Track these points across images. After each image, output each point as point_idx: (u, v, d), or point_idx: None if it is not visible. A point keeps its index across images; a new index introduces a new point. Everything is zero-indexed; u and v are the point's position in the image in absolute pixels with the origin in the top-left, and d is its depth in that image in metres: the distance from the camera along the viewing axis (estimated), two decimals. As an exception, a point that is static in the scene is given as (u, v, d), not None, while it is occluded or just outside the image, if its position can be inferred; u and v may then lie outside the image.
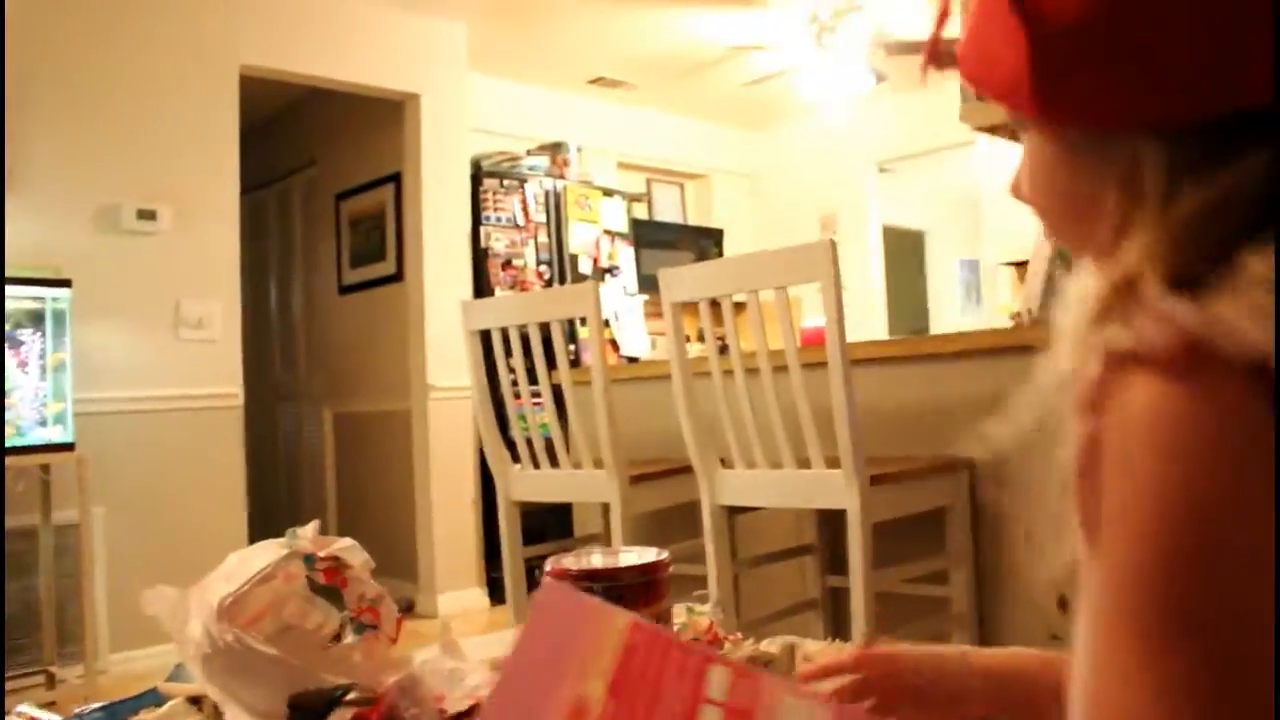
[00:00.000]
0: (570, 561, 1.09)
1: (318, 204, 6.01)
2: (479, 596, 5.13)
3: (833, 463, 2.31)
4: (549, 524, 3.84)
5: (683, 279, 2.56)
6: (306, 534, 1.15)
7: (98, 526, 3.79)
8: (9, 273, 3.70)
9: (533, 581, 3.09)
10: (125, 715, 1.19)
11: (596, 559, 1.11)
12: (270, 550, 1.13)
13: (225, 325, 4.41)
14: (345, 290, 5.72)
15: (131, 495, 4.02)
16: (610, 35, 5.62)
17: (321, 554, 1.15)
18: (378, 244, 5.44)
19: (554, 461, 2.95)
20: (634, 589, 1.05)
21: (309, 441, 6.05)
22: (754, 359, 2.41)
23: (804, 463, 2.38)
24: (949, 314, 8.51)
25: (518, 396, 2.99)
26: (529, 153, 5.69)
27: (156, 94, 4.28)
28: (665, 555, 1.07)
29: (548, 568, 1.07)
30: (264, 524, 4.58)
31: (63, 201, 4.03)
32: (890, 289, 7.36)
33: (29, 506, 3.69)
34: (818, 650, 1.31)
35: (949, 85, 5.85)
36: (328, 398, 5.88)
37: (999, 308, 5.61)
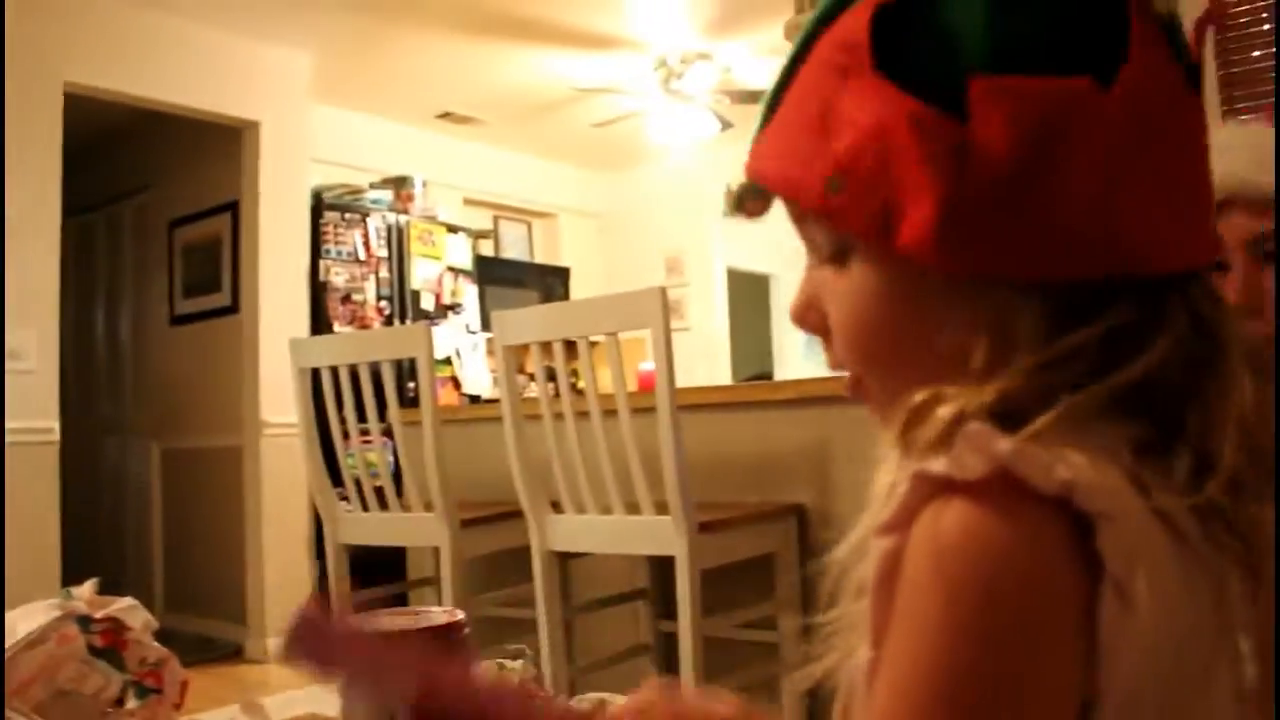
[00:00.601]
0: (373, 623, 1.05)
1: (150, 231, 5.78)
2: (312, 640, 4.97)
3: (662, 508, 2.31)
4: (382, 567, 3.75)
5: (516, 322, 2.54)
6: (83, 594, 1.09)
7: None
8: None
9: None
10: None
11: (399, 620, 1.07)
12: (42, 611, 1.07)
13: (42, 355, 4.19)
14: (177, 321, 5.51)
15: (-69, 535, 3.77)
16: (459, 71, 5.58)
17: (99, 614, 1.08)
18: (212, 274, 5.26)
19: (384, 504, 2.89)
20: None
21: (135, 478, 5.79)
22: (585, 402, 2.40)
23: (633, 508, 2.38)
24: (793, 358, 8.68)
25: (347, 436, 2.92)
26: (372, 186, 5.60)
27: (-28, 109, 4.06)
28: (459, 616, 1.04)
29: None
30: (82, 566, 4.34)
31: None
32: (735, 332, 7.46)
33: None
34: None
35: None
36: (156, 432, 5.64)
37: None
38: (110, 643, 1.08)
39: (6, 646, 1.03)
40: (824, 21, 0.61)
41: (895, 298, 0.60)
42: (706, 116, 5.55)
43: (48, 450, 4.17)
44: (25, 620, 1.05)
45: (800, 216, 0.65)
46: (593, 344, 2.44)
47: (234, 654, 4.89)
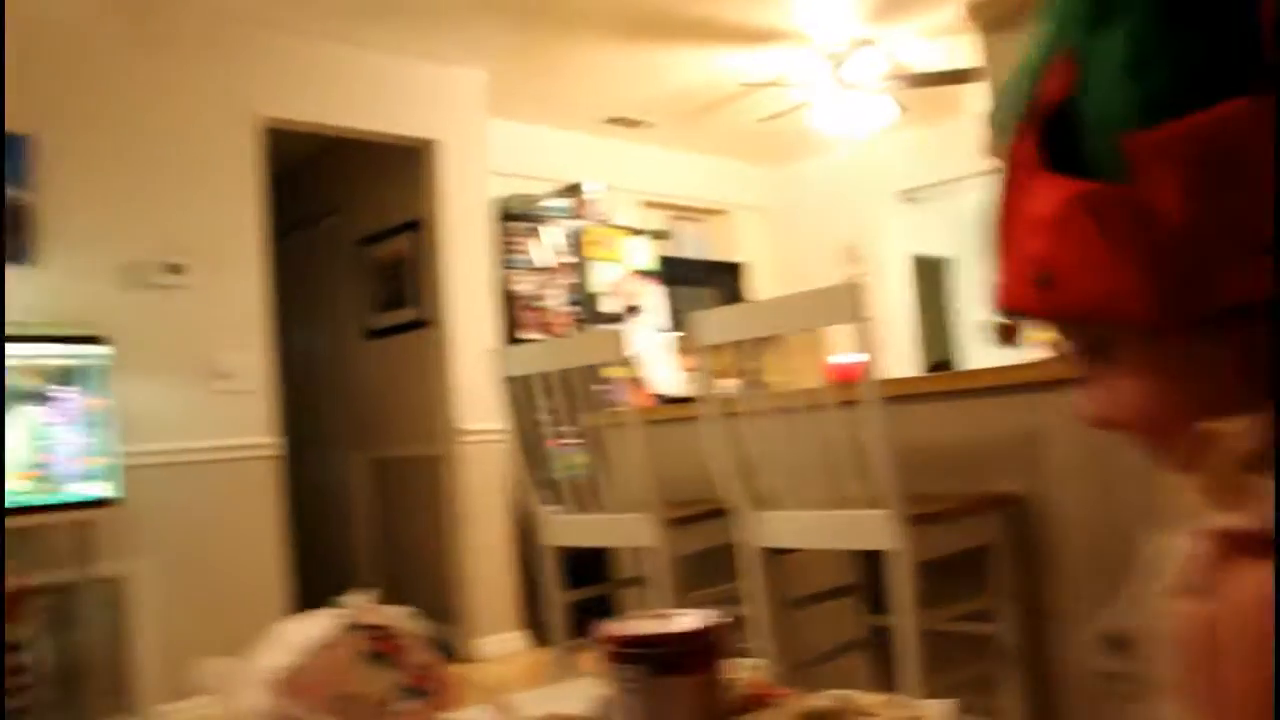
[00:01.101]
0: (619, 628, 1.08)
1: (342, 250, 6.05)
2: (519, 640, 5.11)
3: (872, 502, 2.30)
4: (590, 565, 3.83)
5: (713, 322, 2.56)
6: (360, 603, 1.16)
7: (142, 579, 3.79)
8: (45, 331, 3.76)
9: (581, 629, 3.08)
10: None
11: (647, 625, 1.10)
12: (323, 620, 1.13)
13: (258, 375, 4.44)
14: (372, 336, 5.75)
15: (172, 546, 4.03)
16: (626, 75, 5.66)
17: (375, 623, 1.15)
18: (400, 290, 5.47)
19: (592, 505, 2.95)
20: (683, 657, 1.05)
21: (339, 487, 6.07)
22: (787, 398, 2.41)
23: (842, 503, 2.36)
24: (975, 344, 8.47)
25: (549, 439, 2.99)
26: (550, 194, 5.72)
27: (178, 148, 4.33)
28: (719, 619, 1.06)
29: (600, 634, 1.06)
30: (297, 571, 4.59)
31: (93, 259, 4.07)
32: (916, 318, 7.34)
33: (69, 561, 3.72)
34: (872, 704, 1.29)
35: (965, 115, 5.89)
36: (358, 443, 5.90)
37: (1033, 335, 5.58)
38: (385, 648, 1.15)
39: (296, 654, 1.10)
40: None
41: (1157, 371, 0.61)
42: (880, 102, 5.47)
43: (269, 464, 4.42)
44: (308, 628, 1.13)
45: (1047, 325, 0.66)
46: (770, 340, 2.44)
47: (445, 654, 5.06)
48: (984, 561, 2.59)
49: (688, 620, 1.07)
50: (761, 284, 7.19)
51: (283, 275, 6.26)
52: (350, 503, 5.97)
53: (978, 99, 5.21)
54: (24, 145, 3.97)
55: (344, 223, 6.02)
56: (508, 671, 4.65)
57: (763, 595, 2.58)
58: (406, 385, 5.46)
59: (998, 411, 2.66)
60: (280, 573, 4.42)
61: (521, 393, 3.03)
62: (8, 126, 3.93)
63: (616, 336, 2.74)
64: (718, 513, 2.77)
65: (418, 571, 5.39)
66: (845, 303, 2.25)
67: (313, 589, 5.08)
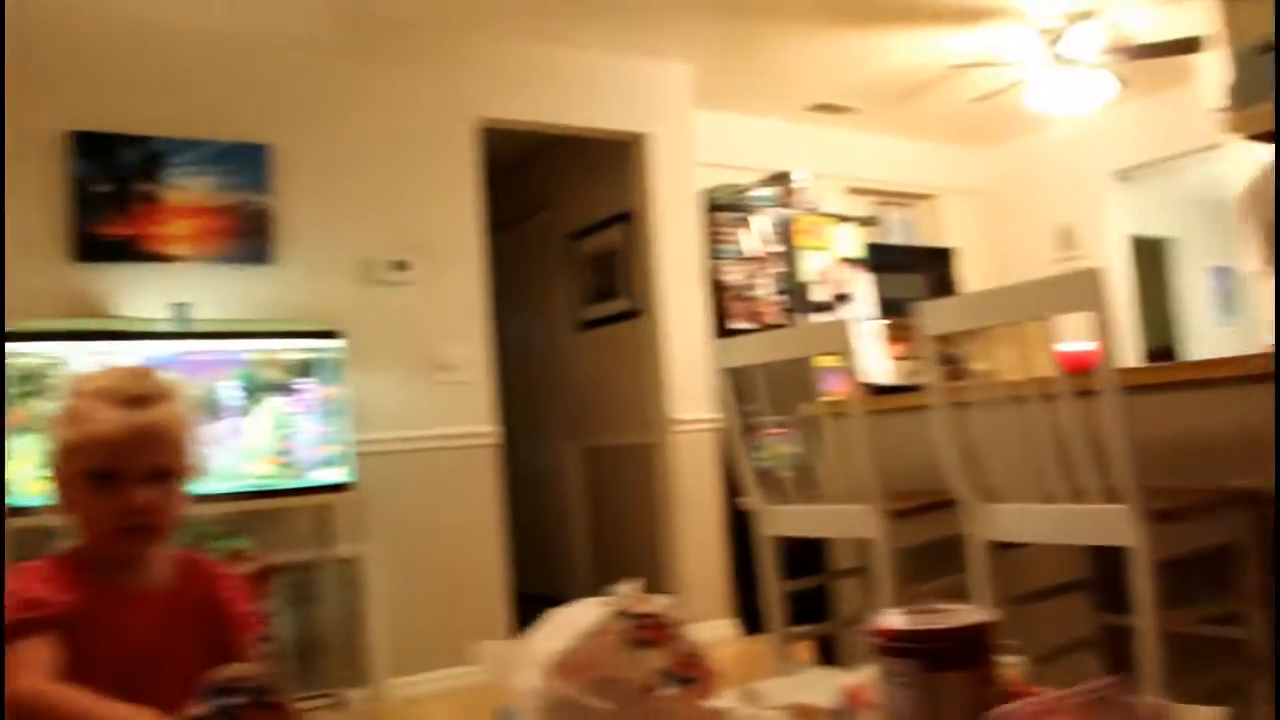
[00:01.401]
0: (893, 621, 1.09)
1: (553, 244, 6.23)
2: (729, 627, 5.16)
3: (1109, 496, 2.22)
4: (804, 555, 3.83)
5: (944, 312, 2.52)
6: (629, 591, 1.21)
7: (373, 559, 4.01)
8: (287, 327, 4.01)
9: (796, 619, 3.08)
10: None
11: (917, 619, 1.11)
12: (593, 609, 1.19)
13: (477, 366, 4.62)
14: (584, 327, 5.90)
15: (401, 529, 4.25)
16: (830, 62, 5.61)
17: (643, 610, 1.20)
18: (612, 281, 5.59)
19: (809, 495, 2.96)
20: (957, 652, 1.05)
21: (551, 475, 6.25)
22: (1017, 387, 2.35)
23: (1075, 496, 2.30)
24: (1201, 326, 8.04)
25: (762, 429, 3.01)
26: (757, 184, 5.73)
27: (403, 151, 4.56)
28: (992, 616, 1.06)
29: (873, 626, 1.08)
30: (513, 556, 4.76)
31: (328, 258, 4.33)
32: (1134, 303, 7.01)
33: (310, 542, 3.97)
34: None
35: (1191, 87, 5.58)
36: (570, 432, 6.07)
37: (1262, 319, 5.26)
38: (651, 636, 1.19)
39: (568, 638, 1.16)
40: None
41: None
42: (1099, 77, 5.25)
43: (489, 452, 4.61)
44: (579, 615, 1.18)
45: None
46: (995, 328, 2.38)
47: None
48: (1225, 561, 2.47)
49: (963, 615, 1.07)
50: (972, 269, 7.01)
51: (497, 270, 6.49)
52: (564, 490, 6.14)
53: (1210, 69, 4.93)
54: (264, 154, 4.25)
55: (555, 217, 6.19)
56: (721, 660, 4.68)
57: (989, 590, 2.54)
58: (618, 375, 5.58)
59: (1233, 402, 2.53)
60: (499, 556, 4.60)
61: (738, 383, 3.06)
62: (250, 138, 4.22)
63: (843, 327, 2.74)
64: (941, 504, 2.73)
65: (630, 558, 5.50)
66: (1087, 290, 2.18)
67: (528, 573, 5.27)
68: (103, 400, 1.43)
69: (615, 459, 5.67)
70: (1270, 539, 2.44)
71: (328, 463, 3.95)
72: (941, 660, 1.03)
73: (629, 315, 5.45)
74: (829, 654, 3.57)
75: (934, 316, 2.52)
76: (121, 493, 1.40)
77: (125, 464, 1.40)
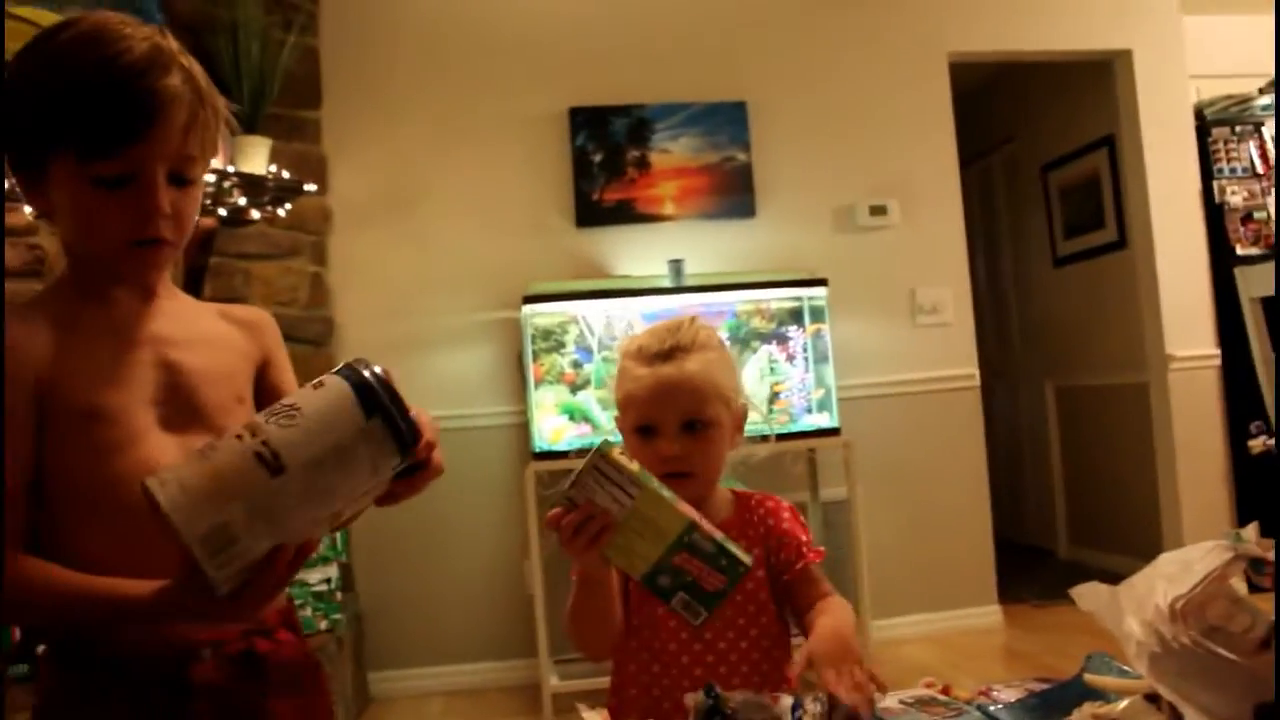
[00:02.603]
0: None
1: (1021, 178, 5.97)
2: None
3: None
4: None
5: None
6: (1249, 535, 1.14)
7: (858, 503, 4.08)
8: (771, 277, 4.15)
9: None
10: (1059, 702, 1.26)
11: None
12: (1212, 552, 1.13)
13: (957, 309, 4.55)
14: (1060, 262, 5.62)
15: (883, 473, 4.28)
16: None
17: (1259, 555, 1.13)
18: (1092, 212, 5.27)
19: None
20: None
21: (1025, 417, 6.04)
22: None
23: None
24: None
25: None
26: (1260, 91, 5.15)
27: (874, 95, 4.55)
28: None
29: None
30: (992, 499, 4.64)
31: (805, 208, 4.42)
32: None
33: (800, 485, 4.11)
34: None
35: None
36: (1047, 373, 5.83)
37: None
38: (1269, 583, 1.12)
39: (1184, 583, 1.11)
40: None
41: None
42: None
43: (970, 395, 4.54)
44: (1198, 558, 1.13)
45: None
46: None
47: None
48: None
49: None
50: None
51: (964, 208, 6.36)
52: (1037, 433, 5.92)
53: None
54: (742, 112, 4.40)
55: (1022, 149, 5.93)
56: None
57: None
58: (1102, 312, 5.27)
59: None
60: (983, 502, 4.52)
61: (1244, 318, 2.80)
62: (727, 96, 4.38)
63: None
64: None
65: (1115, 504, 5.22)
66: None
67: (1005, 518, 5.13)
68: (639, 359, 1.54)
69: (1096, 399, 5.38)
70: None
71: (814, 408, 4.06)
72: None
73: (1113, 247, 5.12)
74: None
75: None
76: (658, 443, 1.50)
77: (659, 417, 1.50)
